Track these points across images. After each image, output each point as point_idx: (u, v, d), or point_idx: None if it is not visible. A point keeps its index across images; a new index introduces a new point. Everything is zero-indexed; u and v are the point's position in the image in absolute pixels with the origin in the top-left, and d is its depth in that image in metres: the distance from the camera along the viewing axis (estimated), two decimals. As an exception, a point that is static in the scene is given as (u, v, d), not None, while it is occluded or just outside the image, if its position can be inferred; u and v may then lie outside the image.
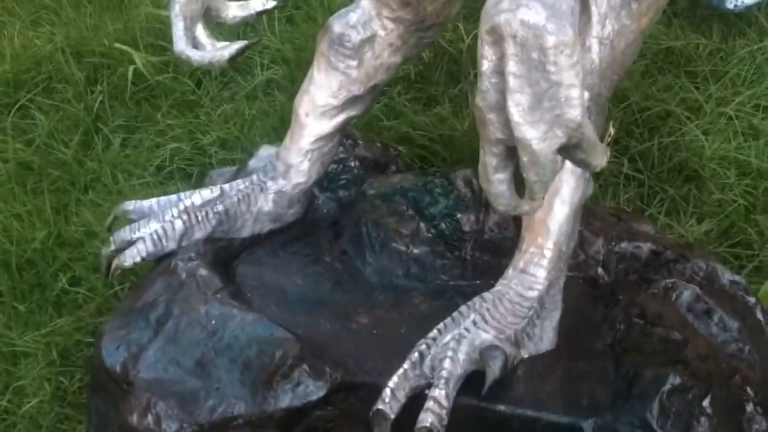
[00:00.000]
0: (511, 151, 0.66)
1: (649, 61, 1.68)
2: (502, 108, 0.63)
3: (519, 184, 0.71)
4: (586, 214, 1.10)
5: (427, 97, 1.72)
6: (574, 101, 0.61)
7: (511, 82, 0.61)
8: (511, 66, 0.61)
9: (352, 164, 1.30)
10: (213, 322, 0.97)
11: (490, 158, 0.66)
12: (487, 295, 0.96)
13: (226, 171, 1.37)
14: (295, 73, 1.78)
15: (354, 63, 1.12)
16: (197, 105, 1.76)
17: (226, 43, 1.00)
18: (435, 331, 0.93)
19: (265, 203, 1.16)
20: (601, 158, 0.68)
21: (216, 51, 0.97)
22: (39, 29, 1.94)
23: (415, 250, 1.15)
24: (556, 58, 0.60)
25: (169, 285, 1.03)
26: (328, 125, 1.15)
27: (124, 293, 1.35)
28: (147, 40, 1.85)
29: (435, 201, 1.22)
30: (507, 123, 0.63)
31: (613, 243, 1.12)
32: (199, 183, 1.59)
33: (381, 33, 1.13)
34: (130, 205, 1.16)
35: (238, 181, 1.18)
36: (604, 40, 0.98)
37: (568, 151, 0.66)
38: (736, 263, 1.33)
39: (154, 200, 1.17)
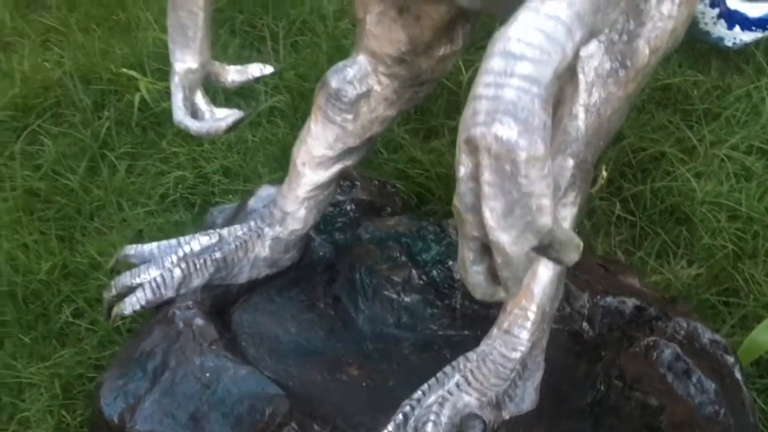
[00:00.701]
0: (487, 246, 0.69)
1: (647, 98, 1.70)
2: (478, 210, 0.66)
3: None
4: (575, 266, 1.13)
5: (427, 129, 1.75)
6: (545, 209, 0.64)
7: (486, 189, 0.64)
8: (486, 175, 0.64)
9: (348, 207, 1.34)
10: (207, 374, 1.01)
11: (467, 252, 0.69)
12: (471, 355, 0.99)
13: (226, 208, 1.41)
14: (297, 102, 1.82)
15: (350, 117, 1.16)
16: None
17: (224, 110, 1.03)
18: (419, 392, 0.96)
19: (262, 249, 1.20)
20: (573, 255, 0.71)
21: (213, 122, 1.00)
22: (48, 52, 1.98)
23: (407, 299, 1.19)
24: (528, 172, 0.63)
25: (167, 335, 1.07)
26: (324, 175, 1.19)
27: (125, 326, 1.39)
28: (153, 65, 1.89)
29: (427, 247, 1.26)
30: (483, 224, 0.66)
31: (599, 297, 1.15)
32: (201, 213, 1.63)
33: (377, 88, 1.16)
34: (131, 249, 1.20)
35: (236, 226, 1.21)
36: (591, 107, 1.01)
37: (540, 250, 0.69)
38: (724, 308, 1.36)
39: (154, 245, 1.20)
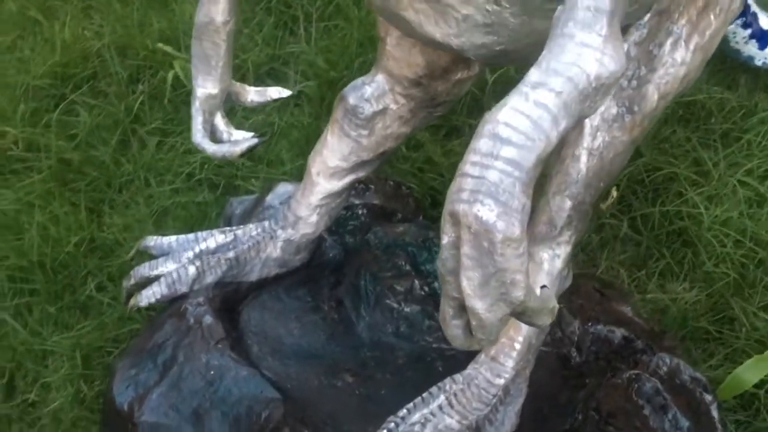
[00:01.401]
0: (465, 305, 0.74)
1: (669, 113, 1.71)
2: (458, 275, 0.71)
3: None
4: (571, 290, 1.18)
5: (449, 127, 1.78)
6: (518, 284, 0.69)
7: (464, 260, 0.69)
8: (465, 248, 0.69)
9: (360, 212, 1.39)
10: (212, 372, 1.08)
11: (447, 308, 0.75)
12: (458, 377, 1.05)
13: (246, 200, 1.47)
14: (323, 89, 1.85)
15: (365, 132, 1.20)
16: (231, 112, 1.85)
17: (241, 133, 1.08)
18: (405, 410, 1.02)
19: (274, 250, 1.26)
20: (546, 319, 0.75)
21: (228, 147, 1.05)
22: (89, 21, 2.04)
23: (407, 309, 1.25)
24: (503, 251, 0.67)
25: (178, 329, 1.15)
26: (336, 185, 1.24)
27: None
28: (188, 41, 1.93)
29: (432, 258, 1.31)
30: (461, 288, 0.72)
31: (590, 324, 1.19)
32: (224, 194, 1.69)
33: (393, 107, 1.19)
34: (152, 241, 1.27)
35: (250, 226, 1.28)
36: (594, 151, 1.04)
37: (514, 315, 0.74)
38: (719, 337, 1.39)
39: (173, 238, 1.28)
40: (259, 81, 1.93)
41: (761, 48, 1.70)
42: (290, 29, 2.05)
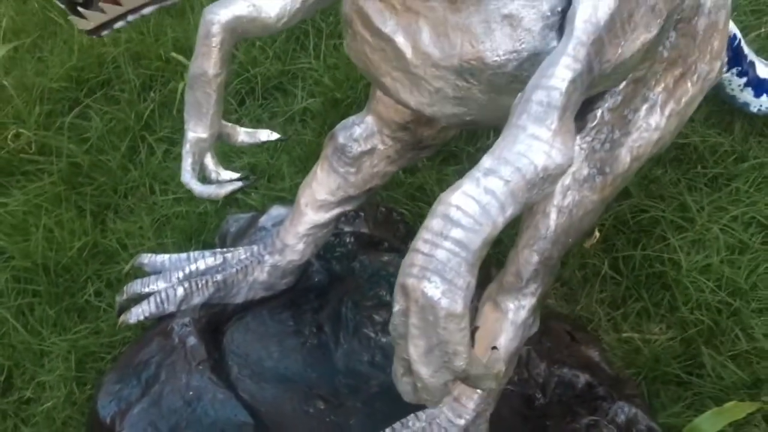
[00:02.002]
0: None
1: (663, 154, 1.74)
2: (407, 339, 0.77)
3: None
4: (544, 330, 1.23)
5: (447, 153, 1.83)
6: (461, 355, 0.75)
7: (411, 329, 0.75)
8: (413, 319, 0.74)
9: (348, 240, 1.44)
10: (191, 393, 1.15)
11: (398, 367, 0.80)
12: (421, 414, 1.11)
13: (241, 218, 1.53)
14: (328, 108, 1.90)
15: (353, 170, 1.25)
16: (238, 123, 1.91)
17: (227, 173, 1.14)
18: (367, 443, 1.08)
19: (261, 274, 1.32)
20: (490, 385, 0.81)
21: (214, 189, 1.12)
22: (107, 25, 2.10)
23: (383, 339, 1.30)
24: (446, 325, 0.73)
25: (163, 347, 1.21)
26: (323, 216, 1.29)
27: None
28: (201, 52, 1.99)
29: (413, 290, 1.36)
30: None
31: (556, 366, 1.25)
32: (224, 206, 1.76)
33: (380, 147, 1.25)
34: (146, 258, 1.34)
35: (240, 250, 1.34)
36: (564, 208, 1.08)
37: (458, 380, 0.79)
38: (686, 380, 1.43)
39: (167, 256, 1.34)
40: (268, 95, 1.99)
41: (757, 96, 1.72)
42: (301, 43, 2.10)
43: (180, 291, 1.26)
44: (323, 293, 1.38)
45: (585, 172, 1.09)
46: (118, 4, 0.94)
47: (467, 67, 0.86)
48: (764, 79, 1.71)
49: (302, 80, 2.00)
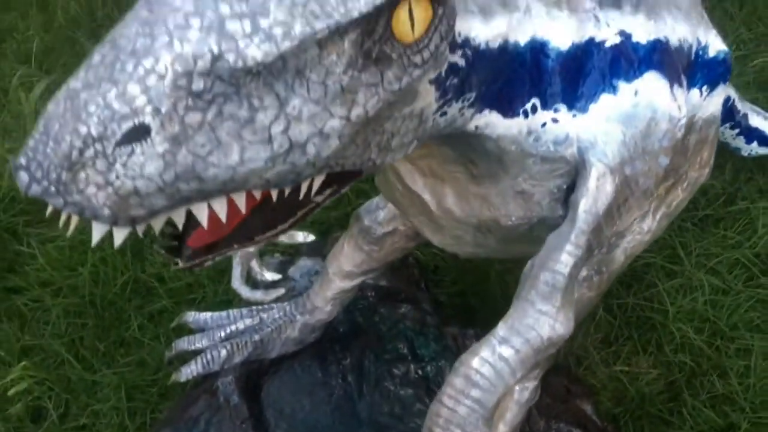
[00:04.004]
0: None
1: (657, 195, 1.88)
2: None
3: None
4: (544, 387, 1.40)
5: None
6: None
7: None
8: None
9: (369, 293, 1.60)
10: (236, 450, 1.33)
11: None
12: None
13: (272, 263, 1.68)
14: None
15: (376, 248, 1.40)
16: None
17: (270, 275, 1.29)
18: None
19: (293, 331, 1.49)
20: None
21: (261, 295, 1.27)
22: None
23: (401, 392, 1.48)
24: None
25: (210, 405, 1.39)
26: (349, 284, 1.45)
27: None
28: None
29: (427, 343, 1.53)
30: None
31: (553, 421, 1.42)
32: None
33: (401, 228, 1.39)
34: (190, 317, 1.50)
35: (274, 310, 1.49)
36: (564, 306, 1.24)
37: None
38: (668, 420, 1.62)
39: (209, 315, 1.50)
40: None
41: (748, 143, 1.85)
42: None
43: (223, 352, 1.43)
44: (347, 345, 1.55)
45: (584, 273, 1.23)
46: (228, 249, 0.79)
47: (485, 225, 1.00)
48: (755, 128, 1.84)
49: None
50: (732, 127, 1.81)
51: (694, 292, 1.74)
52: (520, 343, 0.89)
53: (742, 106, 1.79)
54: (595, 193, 0.90)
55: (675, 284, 1.75)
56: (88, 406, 1.68)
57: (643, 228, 1.24)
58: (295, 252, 1.56)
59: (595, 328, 1.73)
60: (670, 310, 1.70)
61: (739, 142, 1.86)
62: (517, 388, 1.26)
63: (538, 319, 0.89)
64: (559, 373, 1.54)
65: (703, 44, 1.14)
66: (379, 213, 1.38)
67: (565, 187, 0.95)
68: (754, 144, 1.86)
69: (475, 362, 0.89)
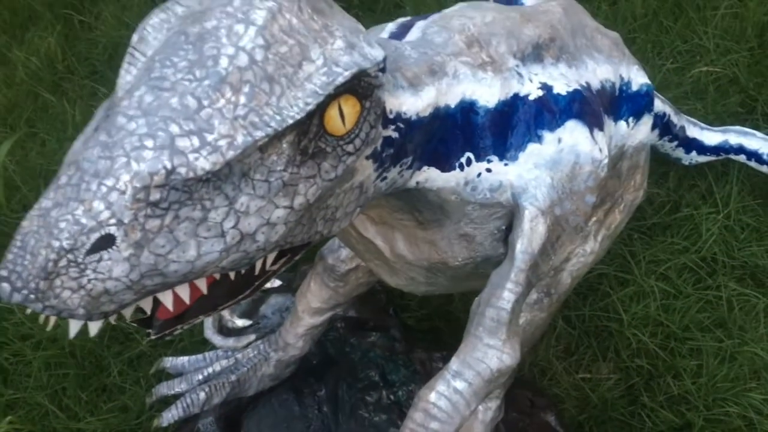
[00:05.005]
0: None
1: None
2: None
3: None
4: (510, 400, 1.49)
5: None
6: None
7: None
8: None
9: (339, 325, 1.68)
10: (222, 487, 1.40)
11: None
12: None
13: (243, 305, 1.76)
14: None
15: (341, 284, 1.48)
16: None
17: (241, 321, 1.36)
18: None
19: (268, 368, 1.56)
20: None
21: (233, 342, 1.34)
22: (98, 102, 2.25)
23: (375, 418, 1.55)
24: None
25: (194, 447, 1.45)
26: (318, 320, 1.53)
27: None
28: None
29: (397, 369, 1.61)
30: None
31: (519, 434, 1.51)
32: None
33: (363, 264, 1.47)
34: (168, 362, 1.57)
35: (248, 350, 1.56)
36: (518, 329, 1.32)
37: None
38: (629, 422, 1.71)
39: (185, 358, 1.57)
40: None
41: (687, 153, 1.96)
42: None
43: (202, 395, 1.50)
44: (321, 376, 1.62)
45: (534, 296, 1.32)
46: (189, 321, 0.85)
47: (435, 266, 1.08)
48: (693, 138, 1.95)
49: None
50: (671, 140, 1.91)
51: (646, 299, 1.84)
52: (472, 376, 0.97)
53: (678, 119, 1.89)
54: (530, 234, 0.98)
55: (628, 292, 1.85)
56: (75, 455, 1.74)
57: (586, 250, 1.34)
58: (265, 291, 1.63)
59: (557, 340, 1.82)
60: (625, 317, 1.79)
61: (679, 153, 1.96)
62: (480, 408, 1.35)
63: (487, 353, 0.97)
64: (524, 386, 1.62)
65: (626, 80, 1.24)
66: (341, 252, 1.46)
67: (503, 227, 1.03)
68: (693, 153, 1.97)
69: (432, 396, 0.97)
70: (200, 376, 1.53)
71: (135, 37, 0.74)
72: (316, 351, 1.65)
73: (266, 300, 1.71)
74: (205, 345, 1.71)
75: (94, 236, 0.65)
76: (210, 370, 1.54)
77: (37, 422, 1.76)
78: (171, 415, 1.49)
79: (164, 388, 1.52)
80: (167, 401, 1.54)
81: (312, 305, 1.51)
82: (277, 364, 1.56)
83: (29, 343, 1.87)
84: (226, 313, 1.35)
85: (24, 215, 2.06)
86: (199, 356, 1.57)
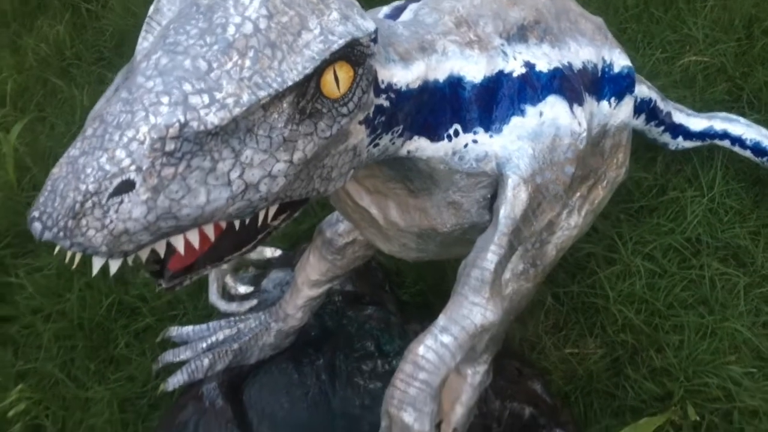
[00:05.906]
0: None
1: (595, 191, 2.05)
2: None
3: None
4: (499, 369, 1.56)
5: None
6: None
7: None
8: (394, 433, 1.07)
9: (336, 298, 1.76)
10: (222, 448, 1.48)
11: None
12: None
13: (245, 276, 1.83)
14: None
15: (339, 257, 1.55)
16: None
17: (243, 288, 1.44)
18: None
19: (269, 338, 1.64)
20: None
21: (236, 307, 1.42)
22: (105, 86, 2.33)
23: (371, 385, 1.63)
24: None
25: (197, 410, 1.53)
26: (317, 291, 1.60)
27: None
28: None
29: (391, 340, 1.69)
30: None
31: (507, 401, 1.59)
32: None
33: (360, 237, 1.54)
34: (174, 331, 1.64)
35: (250, 320, 1.64)
36: (505, 296, 1.40)
37: None
38: (614, 394, 1.79)
39: (190, 328, 1.65)
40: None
41: (674, 138, 2.03)
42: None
43: (206, 361, 1.58)
44: (319, 346, 1.70)
45: (521, 267, 1.39)
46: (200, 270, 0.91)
47: (425, 232, 1.16)
48: (679, 124, 2.02)
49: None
50: (657, 125, 1.99)
51: (632, 277, 1.92)
52: (458, 331, 1.04)
53: (664, 105, 1.97)
54: (512, 201, 1.06)
55: (615, 271, 1.92)
56: (83, 422, 1.82)
57: (570, 224, 1.41)
58: (266, 265, 1.71)
59: (546, 316, 1.90)
60: (611, 294, 1.87)
61: (666, 138, 2.04)
62: (469, 372, 1.42)
63: (472, 310, 1.05)
64: (512, 357, 1.70)
65: (608, 62, 1.31)
66: (339, 225, 1.53)
67: (489, 196, 1.11)
68: (680, 138, 2.04)
69: (421, 349, 1.05)
70: (204, 344, 1.61)
71: (151, 9, 0.82)
72: (315, 323, 1.72)
73: (267, 275, 1.78)
74: (208, 318, 1.79)
75: (117, 181, 0.73)
76: (214, 338, 1.61)
77: (47, 391, 1.84)
78: (176, 380, 1.56)
79: (170, 356, 1.60)
80: (171, 370, 1.62)
81: (311, 277, 1.58)
82: (277, 334, 1.63)
83: (39, 316, 1.95)
84: (229, 281, 1.42)
85: (34, 195, 2.14)
86: (204, 326, 1.65)
